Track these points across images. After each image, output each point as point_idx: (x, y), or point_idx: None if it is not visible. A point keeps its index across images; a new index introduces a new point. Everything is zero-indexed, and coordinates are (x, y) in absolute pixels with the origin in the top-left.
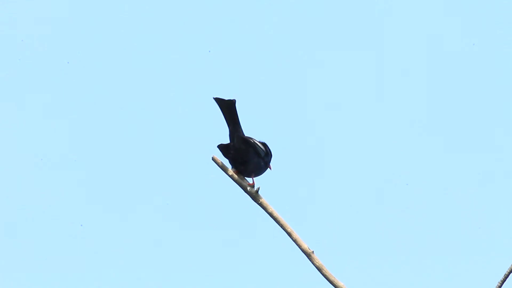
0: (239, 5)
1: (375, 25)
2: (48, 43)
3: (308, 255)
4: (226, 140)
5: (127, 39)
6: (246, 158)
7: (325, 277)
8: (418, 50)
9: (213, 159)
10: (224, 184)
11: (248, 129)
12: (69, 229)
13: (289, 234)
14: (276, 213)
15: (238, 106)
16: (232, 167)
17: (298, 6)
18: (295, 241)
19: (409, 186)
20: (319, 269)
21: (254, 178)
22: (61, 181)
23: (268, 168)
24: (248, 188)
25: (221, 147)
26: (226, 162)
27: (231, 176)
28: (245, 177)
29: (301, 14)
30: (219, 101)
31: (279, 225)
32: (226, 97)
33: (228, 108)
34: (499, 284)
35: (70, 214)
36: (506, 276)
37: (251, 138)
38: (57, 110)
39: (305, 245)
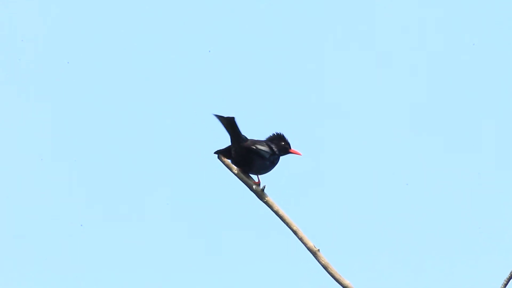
0: (239, 5)
1: (374, 25)
2: (48, 43)
3: (314, 253)
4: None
5: (127, 39)
6: (250, 161)
7: (331, 275)
8: (418, 50)
9: (218, 157)
10: (230, 183)
11: (253, 127)
12: (69, 229)
13: (295, 233)
14: (281, 212)
15: (240, 107)
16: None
17: (298, 6)
18: (301, 239)
19: (409, 186)
20: (325, 267)
21: (259, 176)
22: (61, 181)
23: (298, 154)
24: (254, 186)
25: (221, 152)
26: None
27: (236, 175)
28: (251, 175)
29: (300, 14)
30: (219, 117)
31: (284, 223)
32: (229, 97)
33: (228, 123)
34: (505, 282)
35: (70, 214)
36: None
37: (254, 144)
38: (57, 110)
39: (311, 243)
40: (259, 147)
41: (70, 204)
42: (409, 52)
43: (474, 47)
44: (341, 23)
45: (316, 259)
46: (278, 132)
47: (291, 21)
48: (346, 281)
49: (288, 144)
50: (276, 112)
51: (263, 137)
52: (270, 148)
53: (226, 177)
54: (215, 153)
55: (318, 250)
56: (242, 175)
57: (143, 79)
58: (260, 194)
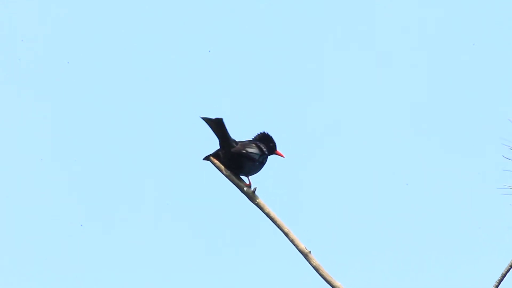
0: (239, 5)
1: (374, 25)
2: (48, 43)
3: (305, 255)
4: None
5: (127, 40)
6: (240, 165)
7: (322, 277)
8: (418, 50)
9: (209, 159)
10: (221, 185)
11: (245, 127)
12: (69, 229)
13: (286, 234)
14: (273, 214)
15: (237, 106)
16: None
17: (298, 6)
18: (292, 241)
19: (409, 186)
20: (316, 269)
21: (250, 178)
22: (61, 181)
23: (281, 156)
24: (245, 188)
25: (211, 156)
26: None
27: (227, 176)
28: (241, 177)
29: (301, 14)
30: (207, 120)
31: (276, 225)
32: (223, 98)
33: (216, 125)
34: (496, 284)
35: (70, 214)
36: (504, 275)
37: (244, 148)
38: (57, 110)
39: (302, 245)
40: (249, 150)
41: (70, 204)
42: (409, 52)
43: (474, 47)
44: (341, 23)
45: (308, 260)
46: (266, 131)
47: (291, 21)
48: (338, 283)
49: (275, 145)
50: (275, 111)
51: (252, 135)
52: (260, 148)
53: (217, 179)
54: (204, 159)
55: (310, 251)
56: (232, 177)
57: (144, 79)
58: (251, 196)
